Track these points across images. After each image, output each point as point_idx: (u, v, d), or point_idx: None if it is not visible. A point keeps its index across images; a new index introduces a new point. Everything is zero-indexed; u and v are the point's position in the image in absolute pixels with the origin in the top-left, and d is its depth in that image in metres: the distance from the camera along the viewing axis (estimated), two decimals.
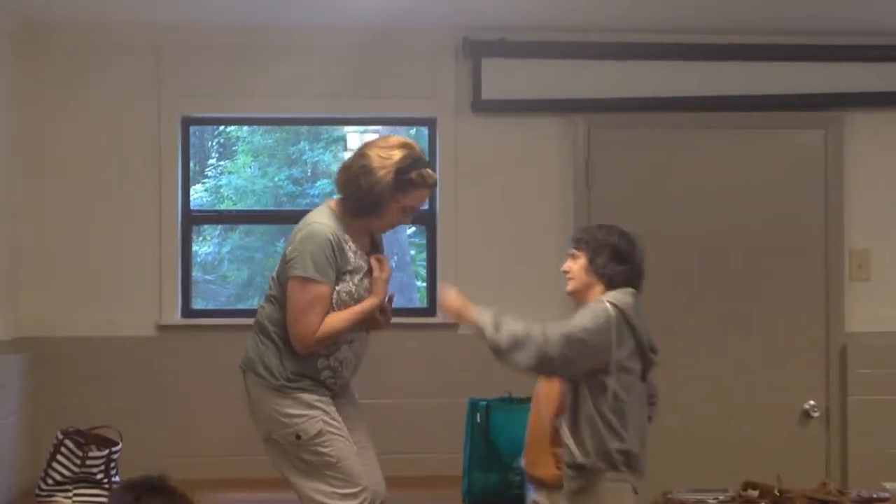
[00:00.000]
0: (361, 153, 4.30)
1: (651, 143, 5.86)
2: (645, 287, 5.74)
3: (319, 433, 4.21)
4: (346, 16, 5.43)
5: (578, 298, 4.24)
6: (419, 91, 5.79)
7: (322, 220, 4.28)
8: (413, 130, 6.23)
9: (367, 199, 4.25)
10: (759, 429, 5.75)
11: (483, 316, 4.09)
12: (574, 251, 4.26)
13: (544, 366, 3.99)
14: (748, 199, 5.87)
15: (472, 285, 5.72)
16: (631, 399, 4.02)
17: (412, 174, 4.26)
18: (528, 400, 5.05)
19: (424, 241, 5.97)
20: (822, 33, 5.79)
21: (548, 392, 4.39)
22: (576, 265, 4.24)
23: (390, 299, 4.44)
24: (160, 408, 5.57)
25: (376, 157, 4.24)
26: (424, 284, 5.99)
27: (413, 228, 6.23)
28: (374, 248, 4.46)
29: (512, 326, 4.03)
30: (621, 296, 4.12)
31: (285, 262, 4.26)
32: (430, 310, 5.83)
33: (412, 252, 6.43)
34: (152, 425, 5.55)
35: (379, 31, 5.64)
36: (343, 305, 4.26)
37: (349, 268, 4.27)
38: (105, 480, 5.00)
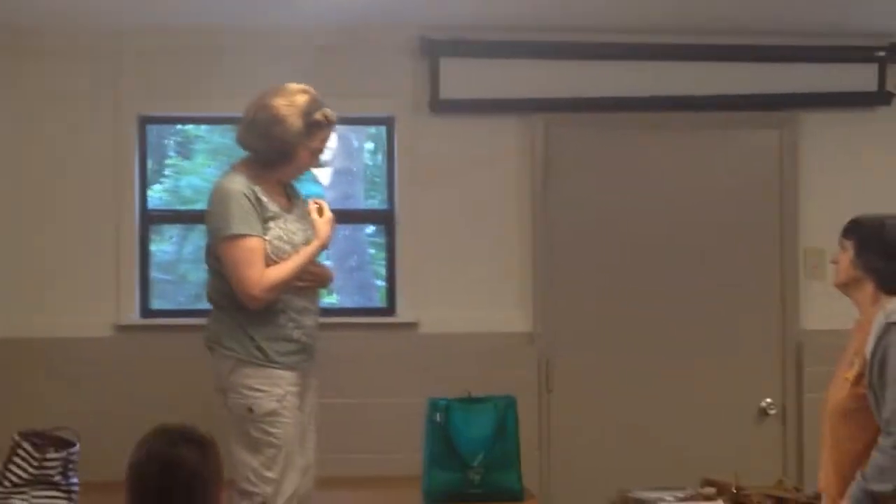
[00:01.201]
0: (264, 105, 4.40)
1: (609, 142, 5.87)
2: (603, 285, 5.81)
3: (272, 412, 4.27)
4: (305, 15, 5.41)
5: (846, 293, 4.05)
6: (377, 90, 5.77)
7: (229, 179, 4.40)
8: (372, 129, 6.21)
9: (279, 148, 4.38)
10: (716, 427, 5.78)
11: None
12: (843, 241, 4.03)
13: None
14: (704, 198, 5.89)
15: (432, 285, 5.75)
16: None
17: (318, 116, 4.40)
18: (486, 399, 5.07)
19: (383, 241, 5.96)
20: (778, 34, 5.82)
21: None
22: (844, 257, 4.00)
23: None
24: (119, 409, 5.50)
25: (282, 107, 4.36)
26: (384, 284, 5.98)
27: (373, 228, 6.22)
28: (291, 194, 4.55)
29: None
30: None
31: (210, 230, 4.37)
32: (390, 309, 5.82)
33: (371, 251, 6.40)
34: (111, 426, 5.47)
35: (337, 31, 5.62)
36: (279, 252, 4.33)
37: (270, 214, 4.36)
38: (63, 482, 4.95)
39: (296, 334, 4.38)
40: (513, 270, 5.81)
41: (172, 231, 6.18)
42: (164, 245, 6.15)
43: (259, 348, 4.31)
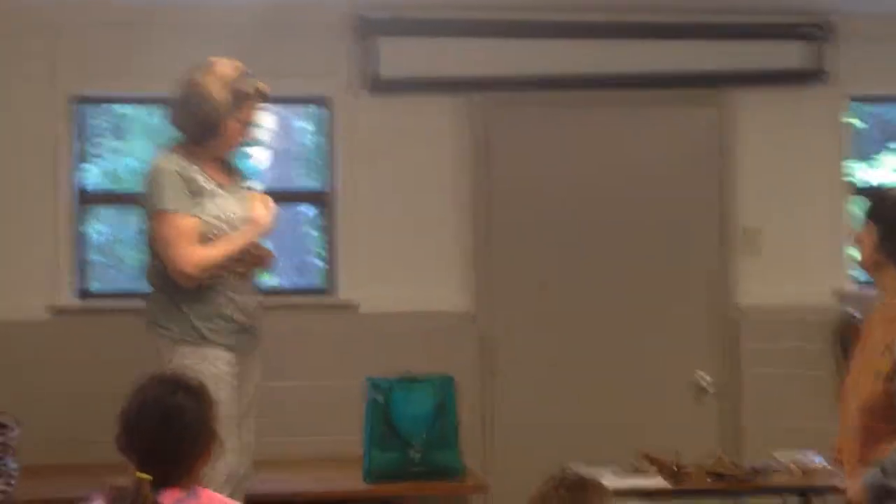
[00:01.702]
0: (191, 83, 4.39)
1: (547, 121, 5.88)
2: (543, 263, 5.82)
3: None
4: None
5: (870, 275, 3.91)
6: (315, 70, 5.74)
7: (162, 158, 4.41)
8: (310, 110, 6.18)
9: (204, 122, 4.36)
10: (654, 403, 5.82)
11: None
12: (868, 221, 3.80)
13: None
14: (642, 175, 5.92)
15: (371, 265, 5.74)
16: None
17: (247, 88, 4.39)
18: (426, 379, 5.07)
19: (322, 222, 5.94)
20: (715, 12, 5.86)
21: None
22: (867, 240, 3.78)
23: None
24: (55, 391, 5.45)
25: (210, 82, 4.36)
26: (323, 264, 5.96)
27: (312, 208, 6.20)
28: (231, 172, 4.54)
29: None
30: None
31: (145, 209, 4.38)
32: (330, 289, 5.80)
33: (310, 232, 6.38)
34: (48, 409, 5.43)
35: (274, 10, 5.57)
36: (215, 229, 4.32)
37: (205, 192, 4.35)
38: (1, 467, 4.90)
39: (234, 314, 4.35)
40: (453, 250, 5.81)
41: (108, 213, 6.11)
42: (99, 227, 6.08)
43: (194, 327, 4.30)
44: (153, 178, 4.35)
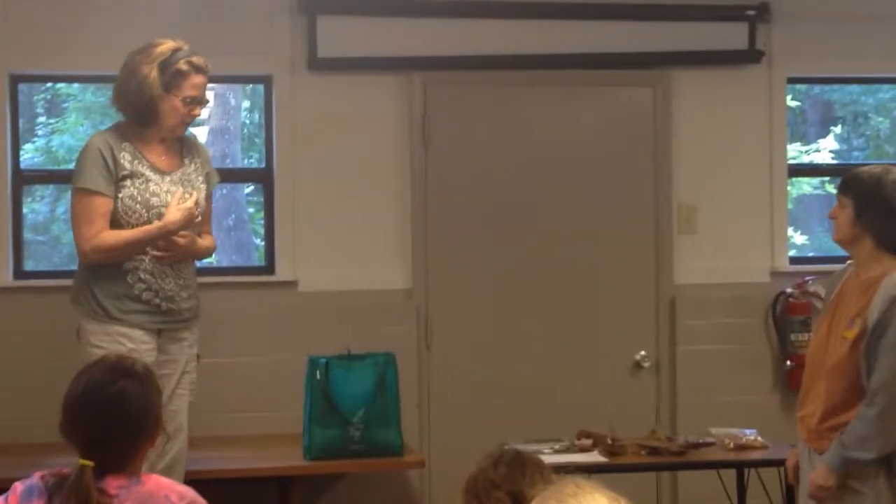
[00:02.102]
0: (124, 65, 4.43)
1: (486, 100, 5.90)
2: (480, 241, 5.84)
3: None
4: None
5: (845, 249, 4.05)
6: (255, 48, 5.70)
7: (95, 135, 4.48)
8: (249, 88, 6.15)
9: (143, 104, 4.36)
10: (592, 379, 5.86)
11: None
12: (841, 197, 3.96)
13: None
14: (580, 154, 5.95)
15: (311, 243, 5.73)
16: None
17: (178, 64, 4.38)
18: (366, 357, 5.08)
19: (261, 200, 5.93)
20: None
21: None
22: (842, 215, 3.94)
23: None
24: None
25: (139, 63, 4.38)
26: (262, 243, 5.95)
27: (251, 187, 6.18)
28: (187, 150, 4.56)
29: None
30: None
31: None
32: (269, 268, 5.78)
33: (250, 210, 6.37)
34: None
35: None
36: (129, 211, 4.35)
37: (125, 173, 4.36)
38: None
39: (145, 295, 4.36)
40: (391, 228, 5.81)
41: (45, 191, 6.06)
42: (36, 206, 6.03)
43: (100, 305, 4.34)
44: (79, 155, 4.43)
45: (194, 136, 4.81)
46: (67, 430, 2.81)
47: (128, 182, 4.34)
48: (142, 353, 4.26)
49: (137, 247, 4.34)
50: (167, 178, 4.43)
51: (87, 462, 2.73)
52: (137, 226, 4.36)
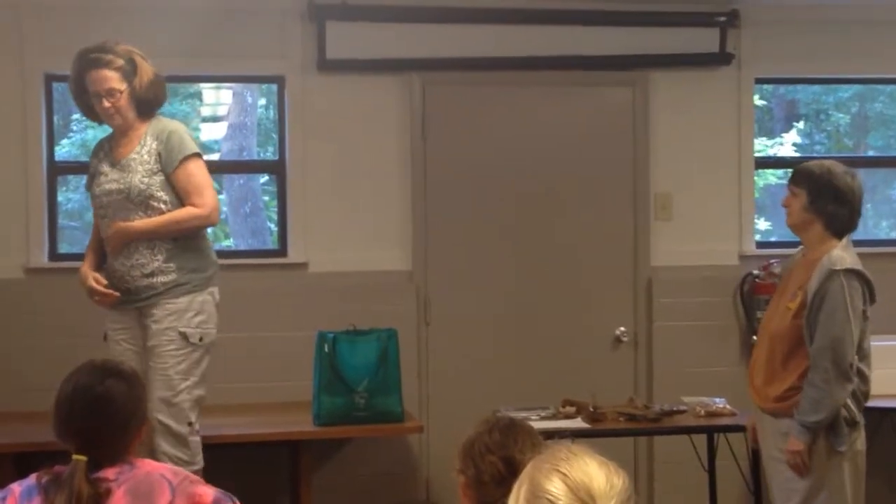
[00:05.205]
0: None
1: (480, 99, 5.92)
2: (474, 227, 5.87)
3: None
4: None
5: (796, 233, 4.18)
6: (269, 51, 5.74)
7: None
8: (264, 87, 6.17)
9: (78, 103, 4.51)
10: (576, 353, 5.90)
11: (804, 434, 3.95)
12: (793, 188, 4.12)
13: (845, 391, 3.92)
14: (566, 149, 5.97)
15: (320, 228, 5.76)
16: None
17: (80, 63, 4.38)
18: (370, 332, 5.11)
19: (275, 189, 5.95)
20: (634, 0, 5.91)
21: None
22: (795, 203, 4.09)
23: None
24: (30, 346, 5.45)
25: (71, 66, 4.44)
26: (276, 228, 5.97)
27: (266, 177, 6.20)
28: (148, 136, 4.42)
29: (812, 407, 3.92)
30: (851, 257, 3.99)
31: None
32: (282, 251, 5.82)
33: (265, 198, 6.40)
34: (22, 363, 5.42)
35: None
36: (96, 206, 4.48)
37: (92, 169, 4.51)
38: None
39: (105, 276, 4.48)
40: (393, 215, 5.84)
41: (79, 181, 6.09)
42: (71, 194, 6.05)
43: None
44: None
45: (166, 121, 4.51)
46: (60, 429, 2.77)
47: (99, 176, 4.47)
48: (115, 331, 4.45)
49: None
50: (115, 168, 4.43)
51: (80, 457, 2.69)
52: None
